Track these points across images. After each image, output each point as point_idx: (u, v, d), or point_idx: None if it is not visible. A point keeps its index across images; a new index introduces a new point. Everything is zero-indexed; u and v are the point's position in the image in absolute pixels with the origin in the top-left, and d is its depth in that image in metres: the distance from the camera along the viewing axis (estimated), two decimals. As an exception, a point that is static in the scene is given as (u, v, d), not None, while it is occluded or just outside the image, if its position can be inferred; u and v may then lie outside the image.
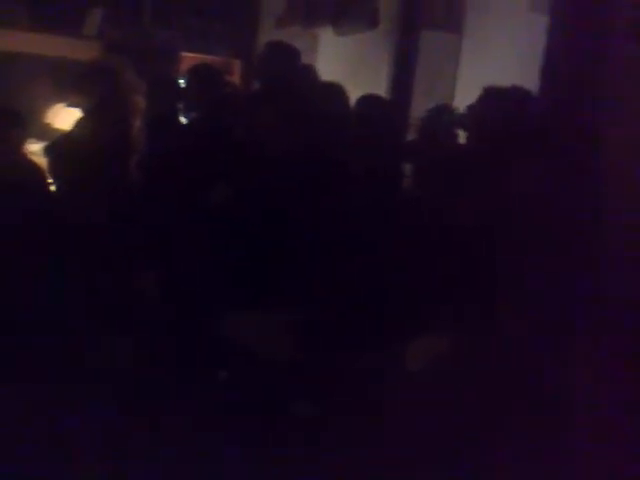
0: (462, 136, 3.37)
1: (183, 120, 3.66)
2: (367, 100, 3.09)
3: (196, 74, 3.48)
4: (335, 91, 2.99)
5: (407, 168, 3.34)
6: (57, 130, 4.47)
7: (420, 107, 4.13)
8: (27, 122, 3.42)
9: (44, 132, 4.53)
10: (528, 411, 2.36)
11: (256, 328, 2.76)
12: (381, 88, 4.63)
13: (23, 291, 2.83)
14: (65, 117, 4.41)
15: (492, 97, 2.93)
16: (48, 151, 3.19)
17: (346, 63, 5.68)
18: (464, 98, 3.08)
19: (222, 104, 3.31)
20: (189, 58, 6.28)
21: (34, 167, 3.30)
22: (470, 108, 3.08)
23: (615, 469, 2.11)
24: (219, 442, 2.68)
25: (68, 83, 4.12)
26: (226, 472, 2.63)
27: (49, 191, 3.22)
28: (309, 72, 3.23)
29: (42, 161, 3.33)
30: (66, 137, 3.55)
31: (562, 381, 2.33)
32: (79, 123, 3.60)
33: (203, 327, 2.82)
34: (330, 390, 2.68)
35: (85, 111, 3.63)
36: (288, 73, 3.14)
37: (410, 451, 2.53)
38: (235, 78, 6.25)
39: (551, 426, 2.29)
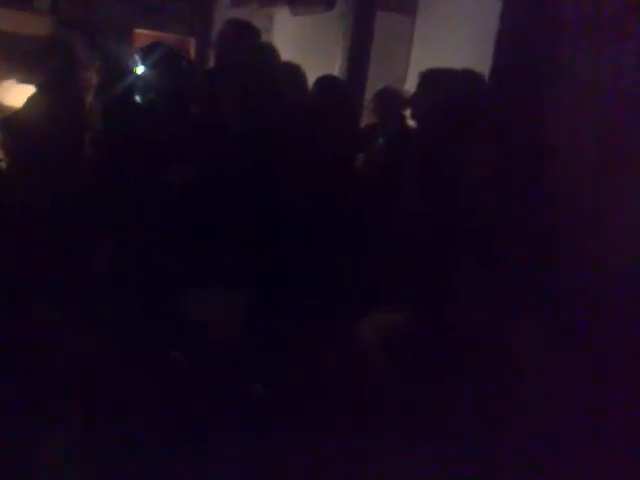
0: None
1: (138, 98, 3.63)
2: (324, 81, 3.12)
3: (153, 51, 3.45)
4: (294, 71, 3.01)
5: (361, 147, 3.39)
6: (8, 107, 4.39)
7: (374, 88, 4.17)
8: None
9: (-6, 109, 4.44)
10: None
11: (208, 305, 2.78)
12: (335, 69, 4.66)
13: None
14: (16, 94, 4.33)
15: (428, 82, 2.98)
16: (0, 127, 3.15)
17: (301, 43, 5.69)
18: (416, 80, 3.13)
19: (179, 82, 3.29)
20: (143, 35, 6.21)
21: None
22: (414, 94, 3.13)
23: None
24: (174, 421, 2.70)
25: (20, 59, 4.05)
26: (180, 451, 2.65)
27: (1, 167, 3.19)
28: (269, 50, 3.23)
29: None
30: (18, 113, 3.50)
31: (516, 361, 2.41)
32: (31, 99, 3.56)
33: (156, 305, 2.83)
34: (281, 368, 2.72)
35: (37, 87, 3.58)
36: (248, 51, 3.14)
37: (365, 428, 2.59)
38: (190, 56, 6.20)
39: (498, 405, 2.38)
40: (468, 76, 2.92)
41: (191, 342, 2.81)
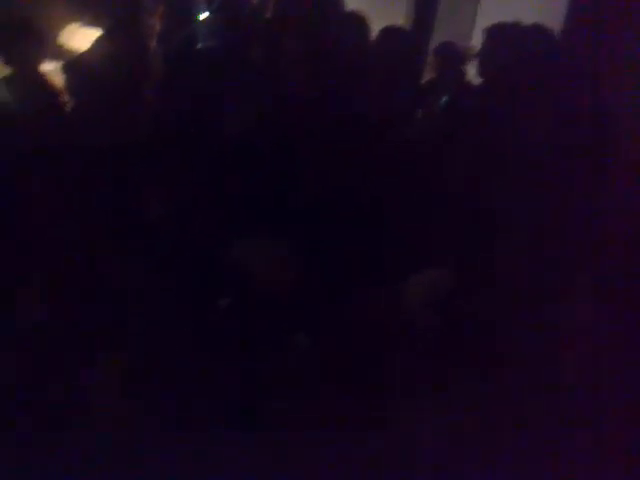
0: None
1: (201, 44, 3.62)
2: (390, 32, 3.07)
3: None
4: (358, 20, 2.96)
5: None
6: (72, 50, 4.43)
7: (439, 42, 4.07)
8: (44, 40, 3.40)
9: (59, 52, 4.49)
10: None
11: (259, 255, 2.79)
12: (400, 22, 4.55)
13: (38, 205, 2.86)
14: (81, 37, 4.37)
15: (495, 38, 2.90)
16: (66, 69, 3.19)
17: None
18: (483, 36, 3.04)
19: (242, 29, 3.27)
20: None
21: (51, 85, 3.30)
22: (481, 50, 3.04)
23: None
24: (218, 369, 2.73)
25: (85, 2, 4.08)
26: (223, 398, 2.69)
27: (65, 109, 3.24)
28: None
29: (58, 80, 3.34)
30: (83, 56, 3.54)
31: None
32: (95, 43, 3.59)
33: (209, 253, 2.86)
34: (328, 321, 2.72)
35: (101, 31, 3.61)
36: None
37: (406, 382, 2.60)
38: (254, 3, 6.12)
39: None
40: (538, 32, 2.84)
41: (238, 290, 2.84)
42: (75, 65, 3.24)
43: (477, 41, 3.75)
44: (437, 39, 4.32)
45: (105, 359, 2.75)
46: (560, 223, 2.42)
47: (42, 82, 3.31)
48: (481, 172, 2.70)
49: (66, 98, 3.23)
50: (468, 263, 2.66)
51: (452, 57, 3.91)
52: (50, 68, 3.73)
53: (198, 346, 2.73)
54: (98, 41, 3.58)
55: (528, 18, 2.90)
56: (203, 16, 3.54)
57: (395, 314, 2.74)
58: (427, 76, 4.04)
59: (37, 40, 3.30)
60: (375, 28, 3.08)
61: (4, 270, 2.73)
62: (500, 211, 2.59)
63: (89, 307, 2.78)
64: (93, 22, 3.78)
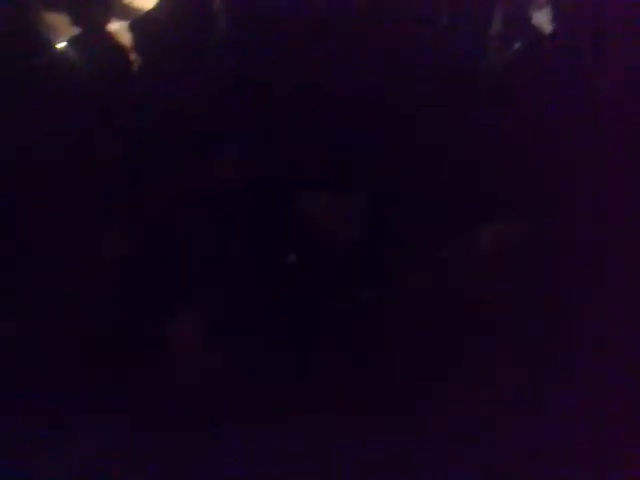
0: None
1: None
2: None
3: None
4: None
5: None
6: (138, 9, 4.46)
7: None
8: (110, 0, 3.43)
9: (125, 11, 4.52)
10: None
11: (324, 209, 2.79)
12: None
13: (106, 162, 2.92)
14: (145, -4, 4.39)
15: None
16: (133, 27, 3.23)
17: None
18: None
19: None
20: None
21: (118, 45, 3.34)
22: None
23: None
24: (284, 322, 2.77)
25: (149, -41, 4.09)
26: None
27: (132, 68, 3.27)
28: None
29: (125, 39, 3.37)
30: (149, 15, 3.56)
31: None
32: (161, 1, 3.60)
33: (273, 208, 2.87)
34: (393, 275, 2.72)
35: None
36: None
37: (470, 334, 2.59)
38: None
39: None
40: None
41: (305, 245, 2.85)
42: (141, 23, 3.26)
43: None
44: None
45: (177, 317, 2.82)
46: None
47: (109, 41, 3.34)
48: (556, 122, 2.64)
49: (133, 57, 3.25)
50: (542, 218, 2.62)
51: (521, 5, 3.78)
52: (117, 27, 3.77)
53: (266, 303, 2.77)
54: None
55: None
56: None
57: (463, 272, 2.72)
58: (496, 25, 3.93)
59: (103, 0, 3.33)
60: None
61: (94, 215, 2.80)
62: (574, 165, 2.53)
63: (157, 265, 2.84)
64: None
